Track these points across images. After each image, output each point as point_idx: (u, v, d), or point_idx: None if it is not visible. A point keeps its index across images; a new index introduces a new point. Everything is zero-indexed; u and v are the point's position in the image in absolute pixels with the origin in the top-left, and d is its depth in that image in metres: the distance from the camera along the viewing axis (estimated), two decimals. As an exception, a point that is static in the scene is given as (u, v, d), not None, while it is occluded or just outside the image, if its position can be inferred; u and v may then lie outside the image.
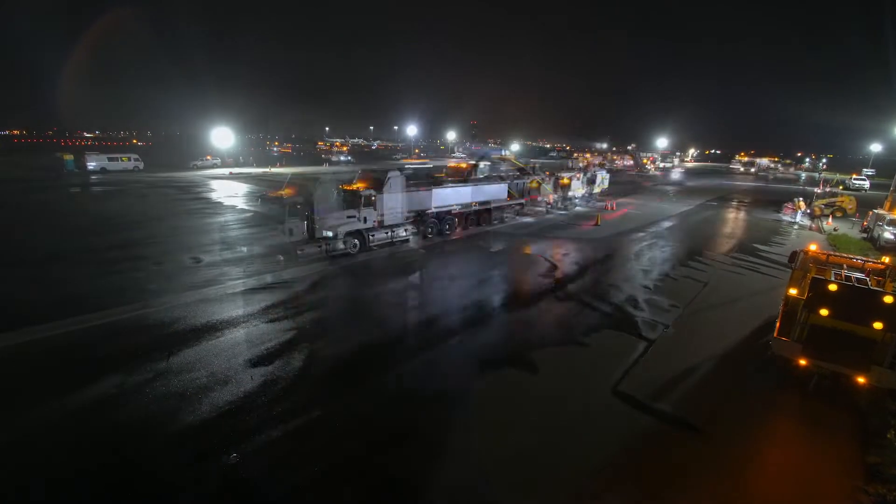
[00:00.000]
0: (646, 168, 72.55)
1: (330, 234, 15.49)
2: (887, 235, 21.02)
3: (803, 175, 78.35)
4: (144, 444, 6.69)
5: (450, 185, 21.00)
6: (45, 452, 6.52)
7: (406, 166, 22.43)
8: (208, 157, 55.79)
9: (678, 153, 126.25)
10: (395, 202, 17.74)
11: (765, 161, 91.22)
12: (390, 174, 17.61)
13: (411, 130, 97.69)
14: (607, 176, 36.04)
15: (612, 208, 29.96)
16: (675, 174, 71.54)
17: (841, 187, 44.96)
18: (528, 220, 25.66)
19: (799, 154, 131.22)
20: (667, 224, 25.75)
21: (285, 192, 21.07)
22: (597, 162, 52.91)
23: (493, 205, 23.10)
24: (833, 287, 8.00)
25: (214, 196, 31.43)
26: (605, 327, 11.13)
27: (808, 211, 29.76)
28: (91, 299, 11.70)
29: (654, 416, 7.67)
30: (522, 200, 26.30)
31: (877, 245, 21.15)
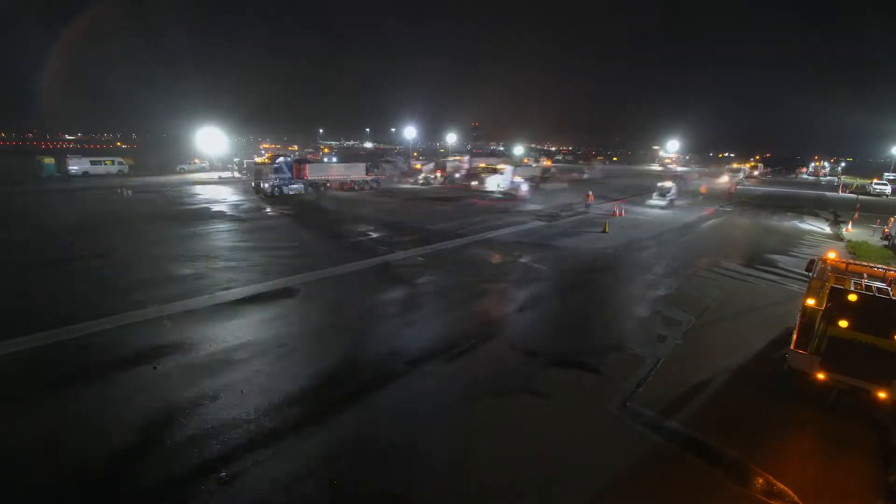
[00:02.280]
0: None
1: None
2: (910, 243, 21.02)
3: (823, 179, 78.66)
4: (130, 458, 6.71)
5: None
6: (19, 470, 6.53)
7: None
8: (196, 161, 56.12)
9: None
10: None
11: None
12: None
13: (409, 133, 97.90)
14: None
15: None
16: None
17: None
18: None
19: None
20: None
21: None
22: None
23: None
24: (853, 297, 8.02)
25: (201, 201, 31.77)
26: (613, 338, 11.19)
27: None
28: (68, 311, 11.74)
29: (664, 434, 7.69)
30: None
31: (899, 253, 21.18)
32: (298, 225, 24.56)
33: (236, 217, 25.97)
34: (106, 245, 18.28)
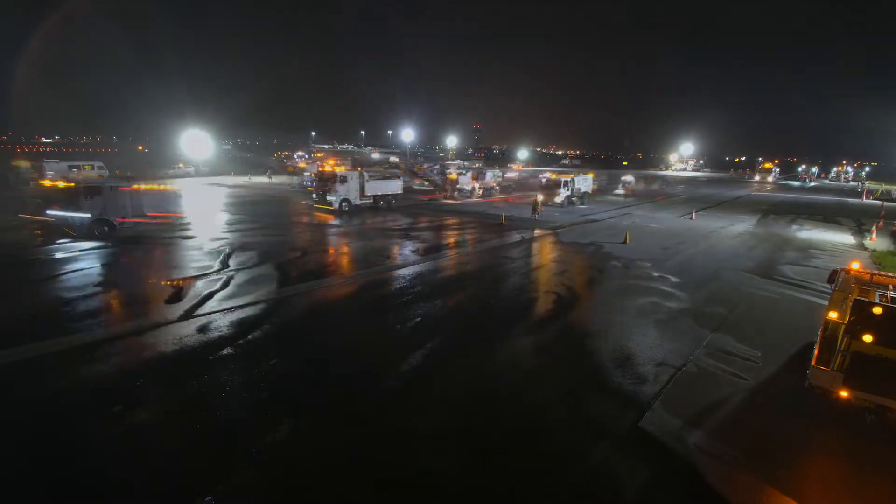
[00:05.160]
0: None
1: None
2: (938, 253, 21.02)
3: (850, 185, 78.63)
4: (119, 483, 6.71)
5: None
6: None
7: None
8: (181, 165, 56.46)
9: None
10: None
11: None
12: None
13: (407, 136, 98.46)
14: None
15: None
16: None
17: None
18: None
19: (844, 162, 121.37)
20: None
21: None
22: None
23: None
24: (878, 310, 7.98)
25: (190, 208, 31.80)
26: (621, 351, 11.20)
27: None
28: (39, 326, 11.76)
29: (678, 457, 7.66)
30: None
31: (927, 264, 21.17)
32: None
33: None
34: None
